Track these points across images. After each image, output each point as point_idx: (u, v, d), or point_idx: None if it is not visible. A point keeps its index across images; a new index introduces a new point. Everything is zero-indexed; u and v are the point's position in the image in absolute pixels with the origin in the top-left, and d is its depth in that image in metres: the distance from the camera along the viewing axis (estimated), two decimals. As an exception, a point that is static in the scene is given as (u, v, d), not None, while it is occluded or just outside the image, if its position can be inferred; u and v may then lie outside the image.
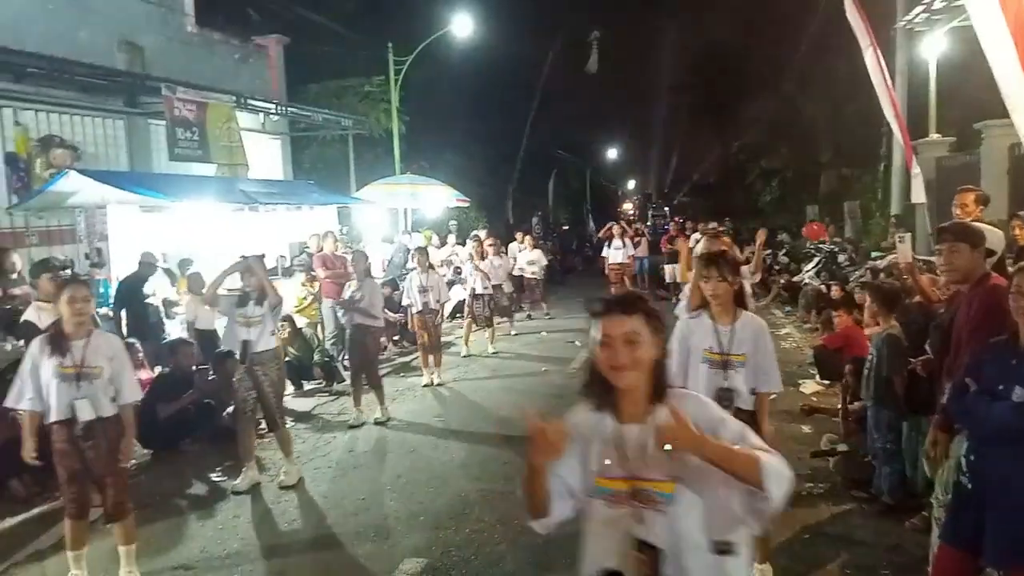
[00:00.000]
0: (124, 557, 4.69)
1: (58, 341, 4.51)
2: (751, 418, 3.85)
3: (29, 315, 6.23)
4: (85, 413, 4.47)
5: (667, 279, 16.50)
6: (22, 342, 7.22)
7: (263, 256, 8.61)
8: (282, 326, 8.80)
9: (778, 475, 2.00)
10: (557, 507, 2.25)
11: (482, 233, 16.98)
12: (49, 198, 10.06)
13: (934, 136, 13.31)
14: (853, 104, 17.81)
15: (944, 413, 3.70)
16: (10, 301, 8.73)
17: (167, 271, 10.29)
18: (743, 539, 2.15)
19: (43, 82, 10.95)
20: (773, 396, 4.18)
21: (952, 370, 3.79)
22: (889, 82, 10.86)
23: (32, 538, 5.51)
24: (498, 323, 12.68)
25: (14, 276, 9.26)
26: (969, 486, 3.17)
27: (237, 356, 6.32)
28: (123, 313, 9.38)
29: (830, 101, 21.10)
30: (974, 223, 4.52)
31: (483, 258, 12.57)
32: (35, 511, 5.99)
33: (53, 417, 4.51)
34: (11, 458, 6.17)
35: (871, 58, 10.44)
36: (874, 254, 13.04)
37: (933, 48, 12.58)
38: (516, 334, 13.61)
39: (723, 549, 2.10)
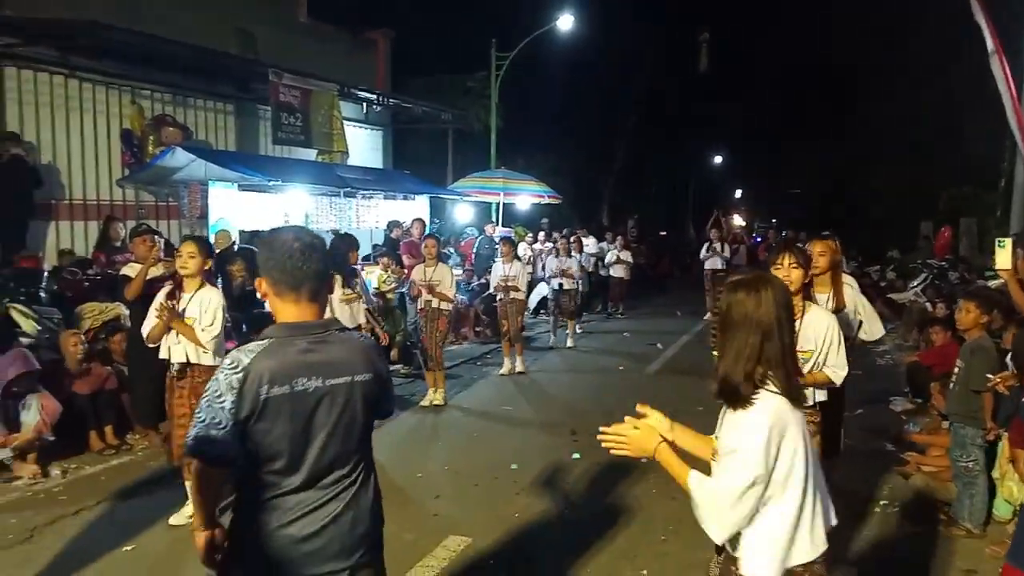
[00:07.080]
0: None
1: (174, 291, 4.92)
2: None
3: (125, 271, 6.57)
4: (177, 356, 4.83)
5: None
6: (121, 304, 7.61)
7: (352, 237, 8.83)
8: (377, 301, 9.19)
9: (698, 506, 2.23)
10: None
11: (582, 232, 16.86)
12: (155, 172, 10.57)
13: (1062, 150, 12.35)
14: (977, 115, 16.78)
15: (1018, 430, 3.41)
16: (113, 267, 9.26)
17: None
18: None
19: (160, 65, 11.51)
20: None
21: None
22: (1014, 91, 10.15)
23: (106, 488, 5.77)
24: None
25: (118, 244, 9.82)
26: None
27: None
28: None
29: (951, 111, 19.98)
30: None
31: (569, 255, 12.58)
32: (113, 462, 6.32)
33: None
34: (94, 411, 6.55)
35: (996, 65, 9.78)
36: (987, 273, 12.21)
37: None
38: (591, 332, 13.58)
39: None
